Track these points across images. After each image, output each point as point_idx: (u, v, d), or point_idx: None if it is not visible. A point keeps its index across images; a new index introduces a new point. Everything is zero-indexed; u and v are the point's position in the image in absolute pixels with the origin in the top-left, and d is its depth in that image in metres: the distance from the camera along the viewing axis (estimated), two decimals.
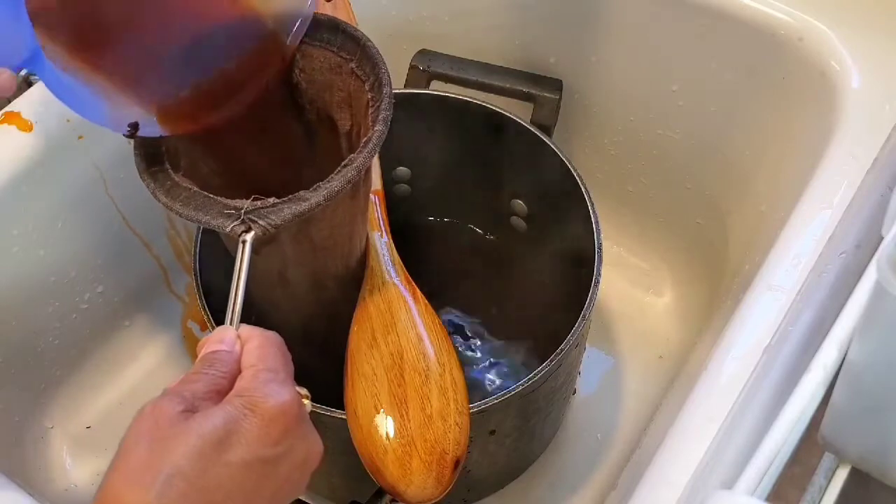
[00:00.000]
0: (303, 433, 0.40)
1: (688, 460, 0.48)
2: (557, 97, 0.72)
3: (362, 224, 0.57)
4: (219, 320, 0.59)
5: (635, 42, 0.73)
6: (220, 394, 0.40)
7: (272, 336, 0.43)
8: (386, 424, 0.51)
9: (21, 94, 0.65)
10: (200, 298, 0.59)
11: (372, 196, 0.62)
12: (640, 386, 0.79)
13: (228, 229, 0.47)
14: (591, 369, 0.80)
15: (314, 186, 0.48)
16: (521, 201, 0.76)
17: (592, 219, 0.63)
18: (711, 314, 0.75)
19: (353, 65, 0.53)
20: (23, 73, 0.64)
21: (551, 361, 0.57)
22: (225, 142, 0.54)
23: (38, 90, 0.65)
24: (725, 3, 0.66)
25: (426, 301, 0.57)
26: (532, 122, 0.69)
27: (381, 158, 0.63)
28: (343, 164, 0.49)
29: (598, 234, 0.62)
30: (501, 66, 0.74)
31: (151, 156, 0.50)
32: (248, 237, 0.46)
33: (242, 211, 0.47)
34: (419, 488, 0.50)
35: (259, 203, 0.47)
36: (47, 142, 0.63)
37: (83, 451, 0.75)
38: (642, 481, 0.48)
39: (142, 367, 0.80)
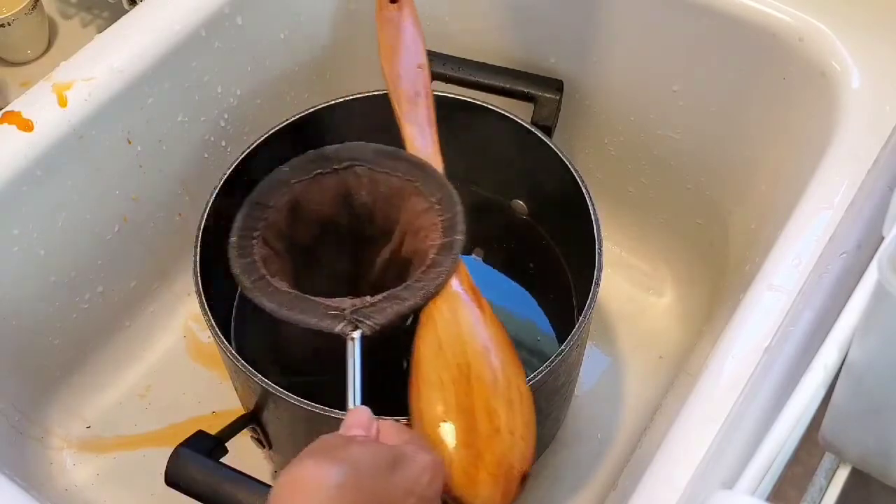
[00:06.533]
0: (440, 499, 0.45)
1: (688, 460, 0.48)
2: (558, 97, 0.72)
3: None
4: (218, 321, 0.59)
5: (636, 42, 0.73)
6: None
7: (397, 422, 0.48)
8: (453, 434, 0.51)
9: (21, 94, 0.65)
10: (200, 298, 0.59)
11: None
12: (640, 386, 0.79)
13: (337, 330, 0.52)
14: (591, 369, 0.80)
15: (405, 285, 0.55)
16: (521, 201, 0.76)
17: (593, 219, 0.63)
18: (712, 314, 0.75)
19: (418, 184, 0.60)
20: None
21: (552, 362, 0.57)
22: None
23: (38, 90, 0.65)
24: (726, 4, 0.66)
25: (491, 311, 0.56)
26: (532, 123, 0.69)
27: None
28: (428, 264, 0.56)
29: (599, 235, 0.62)
30: (502, 67, 0.74)
31: (248, 266, 0.56)
32: (357, 335, 0.52)
33: (347, 312, 0.53)
34: (486, 501, 0.50)
35: (358, 302, 0.53)
36: (47, 142, 0.63)
37: (83, 451, 0.75)
38: (642, 481, 0.48)
39: (142, 367, 0.80)
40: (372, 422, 0.46)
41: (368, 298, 0.54)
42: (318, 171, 0.61)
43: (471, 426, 0.51)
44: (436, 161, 0.62)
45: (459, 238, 0.57)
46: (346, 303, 0.53)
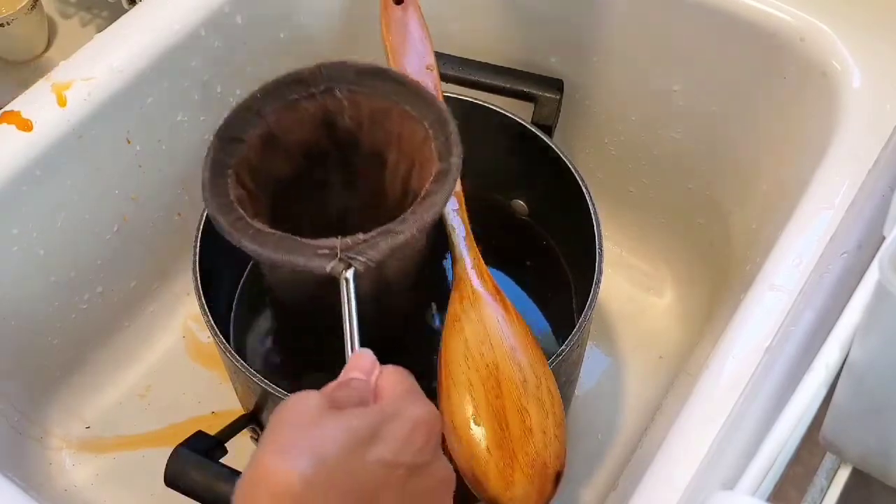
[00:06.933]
0: (441, 452, 0.41)
1: (688, 460, 0.48)
2: (558, 97, 0.72)
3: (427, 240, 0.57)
4: (217, 321, 0.59)
5: (636, 42, 0.73)
6: (363, 404, 0.40)
7: (399, 367, 0.44)
8: (486, 436, 0.50)
9: (21, 93, 0.65)
10: (199, 298, 0.59)
11: (454, 202, 0.62)
12: (640, 386, 0.79)
13: (329, 269, 0.48)
14: (591, 369, 0.80)
15: (400, 218, 0.50)
16: (521, 201, 0.76)
17: (593, 219, 0.63)
18: (712, 314, 0.75)
19: (406, 107, 0.55)
20: None
21: (552, 362, 0.57)
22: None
23: (37, 89, 0.65)
24: (727, 3, 0.66)
25: (517, 311, 0.56)
26: (533, 123, 0.69)
27: None
28: (423, 195, 0.51)
29: (600, 235, 0.62)
30: (502, 66, 0.74)
31: (225, 206, 0.51)
32: (350, 274, 0.48)
33: (338, 249, 0.48)
34: (522, 502, 0.49)
35: (350, 240, 0.49)
36: (46, 141, 0.63)
37: (83, 451, 0.75)
38: (643, 481, 0.48)
39: (141, 367, 0.80)
40: (374, 366, 0.43)
41: (361, 235, 0.49)
42: (294, 96, 0.56)
43: (502, 427, 0.50)
44: None
45: (455, 161, 0.52)
46: (337, 241, 0.49)
